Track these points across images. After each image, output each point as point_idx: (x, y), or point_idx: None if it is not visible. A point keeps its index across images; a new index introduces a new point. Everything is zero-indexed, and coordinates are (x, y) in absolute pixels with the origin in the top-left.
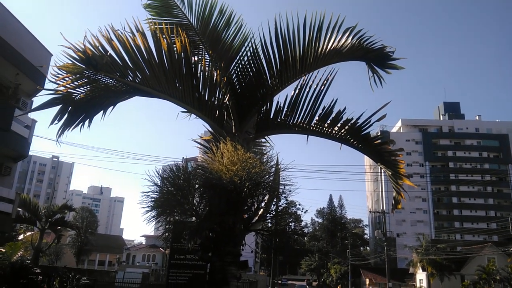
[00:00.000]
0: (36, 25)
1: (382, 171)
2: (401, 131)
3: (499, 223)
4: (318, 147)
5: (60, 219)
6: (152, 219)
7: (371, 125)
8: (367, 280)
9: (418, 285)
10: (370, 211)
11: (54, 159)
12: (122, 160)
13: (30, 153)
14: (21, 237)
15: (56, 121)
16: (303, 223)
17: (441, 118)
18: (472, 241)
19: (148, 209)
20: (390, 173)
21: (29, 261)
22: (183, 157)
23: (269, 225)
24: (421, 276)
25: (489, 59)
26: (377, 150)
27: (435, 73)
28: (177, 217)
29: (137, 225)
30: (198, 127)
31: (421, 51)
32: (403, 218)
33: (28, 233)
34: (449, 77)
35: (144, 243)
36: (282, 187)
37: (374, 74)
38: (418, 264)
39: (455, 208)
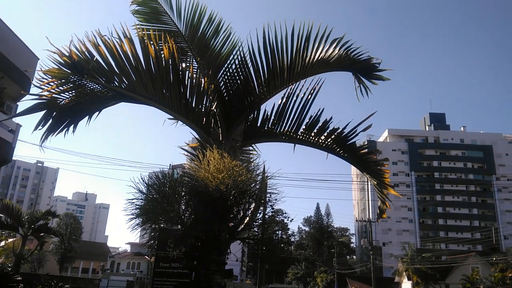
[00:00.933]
0: (23, 29)
1: (368, 180)
2: (388, 141)
3: (483, 233)
4: (305, 156)
5: (44, 225)
6: (136, 226)
7: (357, 134)
8: None
9: None
10: (356, 220)
11: (38, 164)
12: (108, 167)
13: (14, 158)
14: (2, 243)
15: (40, 127)
16: (290, 232)
17: (427, 129)
18: (457, 250)
19: (132, 216)
20: (376, 182)
21: (10, 269)
22: (170, 164)
23: (255, 233)
24: (406, 285)
25: (475, 71)
26: (363, 159)
27: (421, 84)
28: (162, 225)
29: (122, 232)
30: (185, 134)
31: (408, 62)
32: (389, 227)
33: (10, 240)
34: (435, 88)
35: (129, 250)
36: (269, 195)
37: (361, 85)
38: (404, 273)
39: (440, 218)
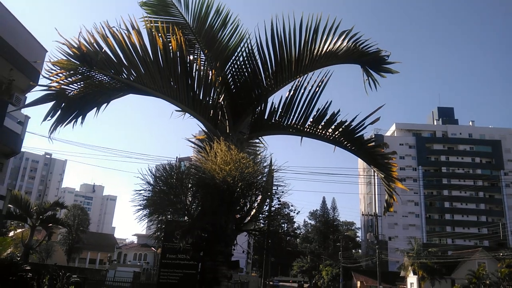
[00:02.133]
0: (31, 21)
1: (375, 174)
2: (395, 135)
3: (490, 228)
4: (312, 148)
5: (52, 216)
6: (144, 217)
7: (364, 127)
8: (358, 282)
9: None
10: (362, 214)
11: (46, 156)
12: (115, 159)
13: (22, 150)
14: (11, 233)
15: (49, 118)
16: (295, 225)
17: (435, 123)
18: (463, 245)
19: (140, 207)
20: (383, 176)
21: (19, 258)
22: (177, 156)
23: (262, 225)
24: (412, 279)
25: (484, 65)
26: (370, 152)
27: (429, 78)
28: (169, 216)
29: (129, 224)
30: (193, 126)
31: (416, 56)
32: (395, 222)
33: (19, 230)
34: (443, 82)
35: (136, 242)
36: (275, 188)
37: (369, 78)
38: (409, 267)
39: (447, 213)
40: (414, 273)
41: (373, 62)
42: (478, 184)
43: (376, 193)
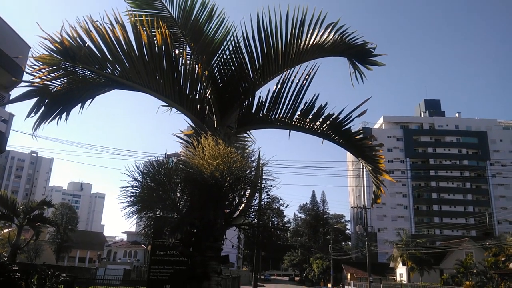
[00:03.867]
0: (14, 17)
1: (364, 166)
2: (383, 127)
3: (477, 218)
4: (301, 142)
5: (39, 215)
6: (132, 214)
7: (352, 120)
8: (349, 274)
9: (398, 279)
10: (352, 207)
11: (33, 154)
12: (103, 156)
13: (8, 148)
14: None
15: (32, 114)
16: (286, 219)
17: (422, 115)
18: (451, 236)
19: (128, 204)
20: (371, 168)
21: (6, 258)
22: (165, 153)
23: (251, 220)
24: (401, 270)
25: (470, 57)
26: (358, 145)
27: (416, 70)
28: (158, 213)
29: (118, 222)
30: (181, 121)
31: (403, 49)
32: (384, 214)
33: (6, 230)
34: (430, 74)
35: (125, 239)
36: (264, 182)
37: (356, 70)
38: (399, 258)
39: (435, 204)
40: (403, 264)
41: (359, 55)
42: (465, 175)
43: (365, 185)
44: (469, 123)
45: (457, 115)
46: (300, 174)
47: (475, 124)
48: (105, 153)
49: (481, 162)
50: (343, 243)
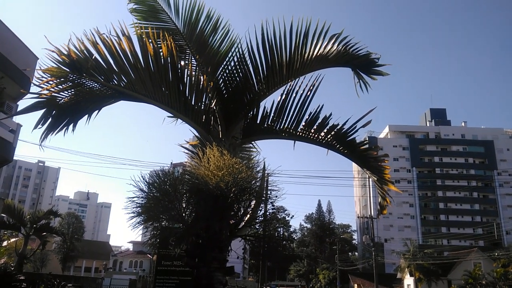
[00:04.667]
0: (22, 29)
1: (369, 176)
2: (389, 137)
3: (485, 228)
4: (307, 152)
5: (45, 225)
6: (137, 225)
7: (356, 130)
8: (356, 285)
9: None
10: (358, 217)
11: (40, 164)
12: (109, 165)
13: (15, 158)
14: (5, 243)
15: (40, 125)
16: (291, 229)
17: (428, 124)
18: (459, 246)
19: (133, 215)
20: (376, 178)
21: (13, 268)
22: (171, 162)
23: (257, 230)
24: (408, 281)
25: (475, 65)
26: (363, 155)
27: (421, 80)
28: (163, 223)
29: (124, 231)
30: (186, 131)
31: (408, 58)
32: (390, 224)
33: (12, 240)
34: (435, 83)
35: (131, 249)
36: (269, 192)
37: (360, 80)
38: (406, 269)
39: (442, 214)
40: (411, 275)
41: (363, 65)
42: (472, 184)
43: (371, 195)
44: (475, 132)
45: (463, 124)
46: (305, 184)
47: (481, 133)
48: (112, 162)
49: (488, 171)
50: (350, 254)
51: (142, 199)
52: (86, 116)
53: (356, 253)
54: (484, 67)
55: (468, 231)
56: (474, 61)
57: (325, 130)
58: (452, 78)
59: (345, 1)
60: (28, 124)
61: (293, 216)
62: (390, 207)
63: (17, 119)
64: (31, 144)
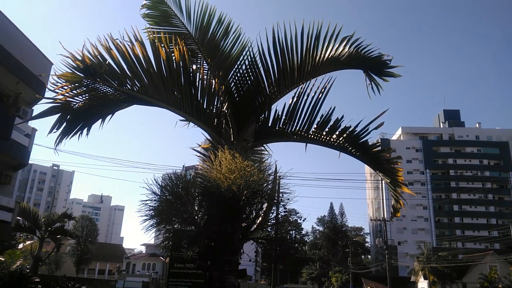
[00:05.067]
0: (37, 35)
1: (382, 179)
2: (401, 138)
3: (501, 231)
4: (319, 154)
5: (60, 227)
6: (150, 227)
7: (369, 133)
8: None
9: None
10: (371, 219)
11: (54, 167)
12: (122, 169)
13: (30, 162)
14: (20, 246)
15: (55, 130)
16: (303, 231)
17: (441, 126)
18: (474, 249)
19: (146, 217)
20: (389, 181)
21: (28, 270)
22: (183, 166)
23: (269, 233)
24: (422, 284)
25: (489, 66)
26: (375, 158)
27: (434, 81)
28: (176, 226)
29: (137, 234)
30: (198, 135)
31: (421, 59)
32: (404, 226)
33: (28, 242)
34: (448, 84)
35: (144, 251)
36: (281, 195)
37: (372, 82)
38: (420, 272)
39: (456, 216)
40: (425, 278)
41: (375, 67)
42: (487, 186)
43: (384, 197)
44: (489, 133)
45: (477, 125)
46: (317, 186)
47: (496, 134)
48: (124, 166)
49: (503, 173)
50: (363, 257)
51: (155, 202)
52: (100, 120)
53: (369, 256)
54: (497, 67)
55: (483, 233)
56: (488, 61)
57: (337, 133)
58: (466, 79)
59: (357, 3)
60: (43, 128)
61: (305, 218)
62: (404, 210)
63: (32, 123)
64: (46, 148)
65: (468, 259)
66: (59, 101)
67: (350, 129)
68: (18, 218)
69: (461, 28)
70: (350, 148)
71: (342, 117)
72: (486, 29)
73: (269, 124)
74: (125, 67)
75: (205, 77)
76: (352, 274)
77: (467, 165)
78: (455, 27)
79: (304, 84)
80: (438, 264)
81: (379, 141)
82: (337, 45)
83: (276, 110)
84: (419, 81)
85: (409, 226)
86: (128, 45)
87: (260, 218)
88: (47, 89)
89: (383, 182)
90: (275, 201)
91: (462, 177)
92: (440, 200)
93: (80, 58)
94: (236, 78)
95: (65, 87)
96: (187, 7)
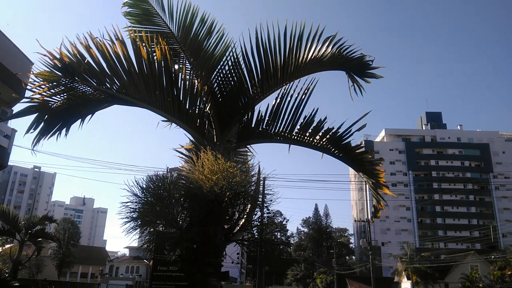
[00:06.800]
0: (16, 33)
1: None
2: (385, 140)
3: (482, 231)
4: (303, 156)
5: (41, 230)
6: (131, 230)
7: (351, 134)
8: None
9: None
10: (355, 220)
11: (35, 169)
12: (105, 170)
13: (10, 163)
14: None
15: (32, 130)
16: (288, 233)
17: (424, 128)
18: (456, 249)
19: (127, 220)
20: (371, 182)
21: (7, 275)
22: (167, 167)
23: (253, 235)
24: (406, 284)
25: (471, 69)
26: (358, 159)
27: (417, 83)
28: (158, 228)
29: (120, 237)
30: (182, 136)
31: (403, 62)
32: (387, 227)
33: (7, 246)
34: (431, 87)
35: (127, 254)
36: (265, 196)
37: (354, 84)
38: (403, 272)
39: (439, 217)
40: (408, 278)
41: (357, 68)
42: (468, 187)
43: (368, 199)
44: (471, 135)
45: (458, 127)
46: (302, 188)
47: (477, 136)
48: (107, 167)
49: (484, 174)
50: (347, 257)
51: (136, 204)
52: (80, 120)
53: (354, 257)
54: (480, 70)
55: (465, 234)
56: (470, 64)
57: (320, 134)
58: (448, 81)
59: (340, 4)
60: (23, 129)
61: (288, 220)
62: (387, 211)
63: (12, 124)
64: (26, 150)
65: (450, 259)
66: (36, 100)
67: (333, 131)
68: None
69: (444, 30)
70: (333, 150)
71: (325, 118)
72: (469, 32)
73: (253, 125)
74: (104, 66)
75: (188, 77)
76: (337, 275)
77: (449, 166)
78: (439, 30)
79: (288, 85)
80: (421, 264)
81: (363, 142)
82: (320, 45)
83: (259, 111)
84: (402, 84)
85: (392, 227)
86: (108, 43)
87: (243, 220)
88: (25, 89)
89: (367, 183)
90: (258, 202)
91: (444, 178)
92: (422, 201)
93: (58, 56)
94: (219, 78)
95: (43, 86)
96: (170, 6)
